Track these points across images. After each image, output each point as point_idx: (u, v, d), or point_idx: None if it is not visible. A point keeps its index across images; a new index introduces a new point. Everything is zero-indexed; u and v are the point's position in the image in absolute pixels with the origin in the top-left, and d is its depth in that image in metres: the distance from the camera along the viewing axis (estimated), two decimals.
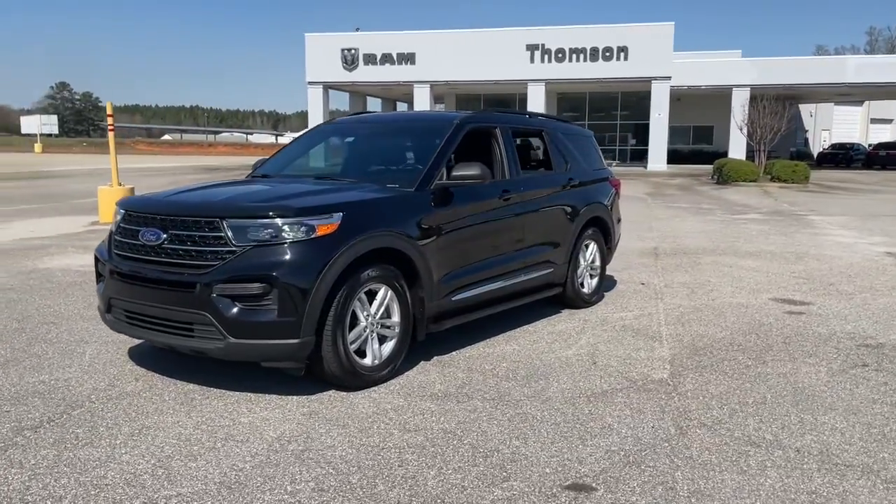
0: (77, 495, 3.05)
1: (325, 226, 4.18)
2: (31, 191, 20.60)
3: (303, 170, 5.67)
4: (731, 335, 5.83)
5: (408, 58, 35.78)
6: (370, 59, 36.17)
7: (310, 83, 36.95)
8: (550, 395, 4.36)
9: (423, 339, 4.90)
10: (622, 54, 34.21)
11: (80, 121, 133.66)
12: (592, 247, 6.86)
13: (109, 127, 13.88)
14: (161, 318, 4.24)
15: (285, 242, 4.08)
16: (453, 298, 5.07)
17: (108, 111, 13.89)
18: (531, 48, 34.80)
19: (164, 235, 4.23)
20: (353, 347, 4.34)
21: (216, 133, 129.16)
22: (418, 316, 4.81)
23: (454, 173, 5.02)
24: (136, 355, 5.03)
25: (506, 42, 34.93)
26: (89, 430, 3.75)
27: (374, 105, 44.95)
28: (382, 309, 4.52)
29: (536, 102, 35.10)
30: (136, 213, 4.46)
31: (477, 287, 5.29)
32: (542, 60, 34.86)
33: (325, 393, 4.33)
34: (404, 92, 37.55)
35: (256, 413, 4.01)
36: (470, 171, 5.01)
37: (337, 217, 4.24)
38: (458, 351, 5.25)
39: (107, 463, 3.36)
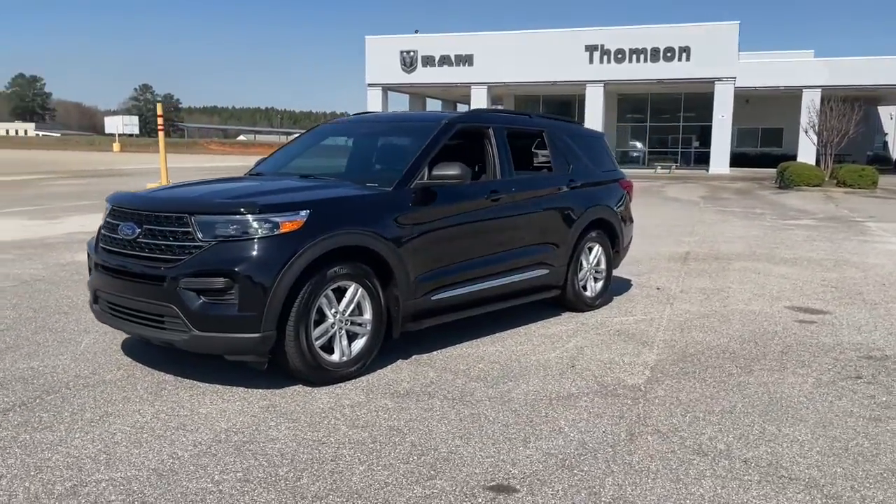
0: (16, 475, 3.21)
1: (290, 223, 4.26)
2: (97, 187, 21.49)
3: (295, 168, 5.77)
4: (728, 343, 5.66)
5: (466, 59, 35.87)
6: (428, 60, 36.42)
7: (369, 85, 37.44)
8: (513, 397, 4.34)
9: (398, 338, 4.94)
10: (684, 55, 33.47)
11: None
12: (597, 249, 6.76)
13: (159, 127, 14.45)
14: (136, 310, 4.40)
15: (249, 238, 4.18)
16: (433, 298, 5.08)
17: (159, 111, 14.45)
18: (590, 49, 34.41)
19: (139, 230, 4.39)
20: (318, 343, 4.40)
21: (289, 134, 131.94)
22: (394, 314, 4.85)
23: (434, 173, 5.04)
24: (128, 346, 5.21)
25: (564, 43, 34.64)
26: (55, 414, 3.93)
27: (433, 106, 45.19)
28: (352, 306, 4.57)
29: (595, 104, 34.70)
30: (118, 208, 4.64)
31: (460, 287, 5.29)
32: (602, 61, 34.42)
33: (291, 387, 4.41)
34: (463, 93, 37.65)
35: (217, 404, 4.13)
36: (449, 170, 5.02)
37: (303, 214, 4.31)
38: (439, 350, 5.26)
39: (57, 446, 3.52)
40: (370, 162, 5.83)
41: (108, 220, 4.71)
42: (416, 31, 37.46)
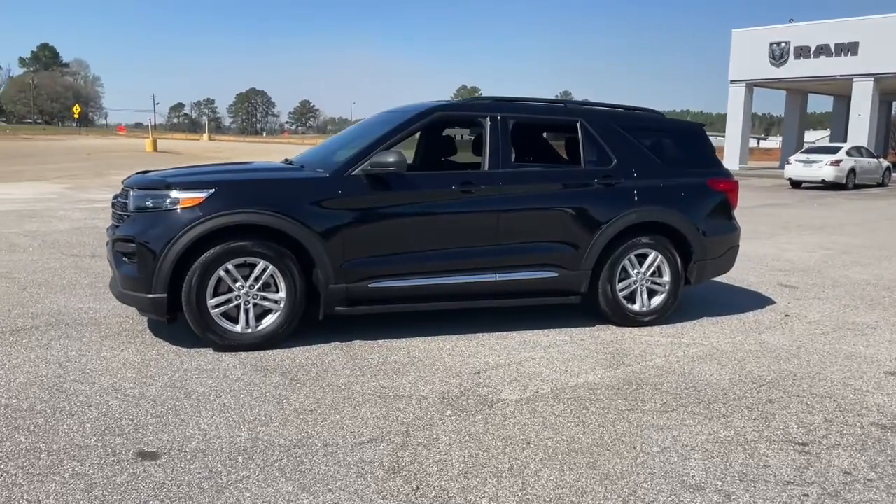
0: None
1: (189, 199, 4.75)
2: None
3: (310, 156, 6.14)
4: (722, 380, 4.57)
5: (848, 48, 31.06)
6: (802, 51, 32.41)
7: (732, 82, 34.70)
8: (353, 390, 4.22)
9: (322, 319, 5.08)
10: None
11: None
12: (653, 257, 5.81)
13: None
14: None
15: (154, 210, 4.80)
16: (371, 286, 5.09)
17: None
18: None
19: (113, 201, 5.30)
20: (217, 311, 4.81)
21: None
22: (324, 295, 5.00)
23: (372, 160, 5.04)
24: None
25: None
26: (20, 338, 5.03)
27: (819, 103, 39.98)
28: (261, 283, 4.86)
29: None
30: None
31: (410, 279, 5.17)
32: None
33: (198, 349, 4.86)
34: (846, 86, 32.61)
35: (121, 352, 4.80)
36: (385, 157, 4.99)
37: (205, 193, 4.77)
38: (382, 340, 5.21)
39: None
40: (347, 150, 5.94)
41: None
42: (791, 21, 33.65)
